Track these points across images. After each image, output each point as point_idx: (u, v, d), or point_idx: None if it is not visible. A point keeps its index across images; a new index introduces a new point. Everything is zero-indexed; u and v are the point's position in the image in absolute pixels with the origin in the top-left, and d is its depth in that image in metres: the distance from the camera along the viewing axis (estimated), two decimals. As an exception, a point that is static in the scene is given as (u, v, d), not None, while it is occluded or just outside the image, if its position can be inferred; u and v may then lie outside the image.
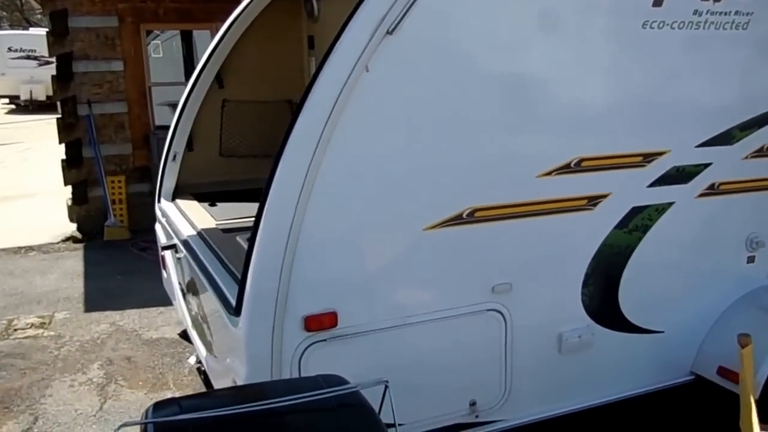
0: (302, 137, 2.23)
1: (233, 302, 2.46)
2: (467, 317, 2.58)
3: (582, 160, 2.63)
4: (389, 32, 2.21)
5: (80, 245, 7.19)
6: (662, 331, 3.01)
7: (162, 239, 4.18)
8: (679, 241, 2.94)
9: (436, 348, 2.55)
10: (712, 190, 2.95)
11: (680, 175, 2.86)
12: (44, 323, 5.15)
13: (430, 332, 2.53)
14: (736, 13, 2.76)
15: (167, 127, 7.86)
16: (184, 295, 3.68)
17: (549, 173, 2.60)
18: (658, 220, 2.87)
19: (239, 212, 3.77)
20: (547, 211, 2.63)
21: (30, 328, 5.08)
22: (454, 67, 2.39)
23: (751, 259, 3.14)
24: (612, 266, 2.83)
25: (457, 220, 2.48)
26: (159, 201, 4.23)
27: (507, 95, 2.49)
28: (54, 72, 7.34)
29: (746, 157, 2.97)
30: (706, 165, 2.90)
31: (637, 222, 2.83)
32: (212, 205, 4.00)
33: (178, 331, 4.90)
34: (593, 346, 2.84)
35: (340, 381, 1.77)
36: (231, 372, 2.52)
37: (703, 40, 2.77)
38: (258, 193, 4.16)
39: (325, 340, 2.36)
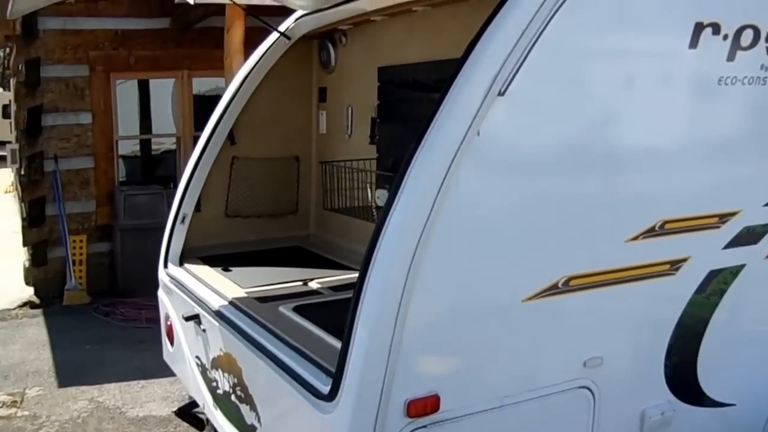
0: (411, 209, 2.06)
1: (320, 385, 2.23)
2: (559, 396, 2.42)
3: (665, 222, 2.56)
4: (500, 93, 2.10)
5: (39, 311, 6.64)
6: (734, 404, 2.91)
7: (169, 308, 3.84)
8: (750, 305, 2.88)
9: (531, 429, 2.37)
10: (778, 251, 2.94)
11: (750, 236, 2.82)
12: (16, 401, 4.63)
13: (524, 414, 2.35)
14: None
15: (130, 183, 7.59)
16: (205, 371, 3.35)
17: (636, 237, 2.50)
18: (732, 284, 2.80)
19: (262, 278, 3.52)
20: (634, 277, 2.52)
21: (1, 407, 4.54)
22: (555, 133, 2.30)
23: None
24: (692, 335, 2.73)
25: (553, 289, 2.34)
26: (166, 266, 3.90)
27: (601, 159, 2.42)
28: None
29: (807, 217, 2.98)
30: (773, 225, 2.90)
31: (714, 286, 2.75)
32: (226, 270, 3.72)
33: (173, 409, 4.49)
34: (673, 424, 2.71)
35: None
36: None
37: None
38: (266, 256, 4.05)
39: (425, 426, 2.14)
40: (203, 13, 6.42)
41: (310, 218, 4.46)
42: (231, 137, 4.03)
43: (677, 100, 2.57)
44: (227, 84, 5.77)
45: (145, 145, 8.60)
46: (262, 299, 3.18)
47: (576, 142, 2.35)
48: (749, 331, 2.91)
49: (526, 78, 2.13)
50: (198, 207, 3.97)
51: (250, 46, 5.59)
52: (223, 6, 5.64)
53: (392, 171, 3.49)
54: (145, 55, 7.27)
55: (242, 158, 4.14)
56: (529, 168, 2.26)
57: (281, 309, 3.01)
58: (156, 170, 8.70)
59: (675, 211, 2.59)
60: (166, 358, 4.04)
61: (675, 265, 2.64)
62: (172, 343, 3.85)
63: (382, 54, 3.70)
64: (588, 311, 2.45)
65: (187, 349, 3.60)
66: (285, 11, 3.97)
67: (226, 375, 3.08)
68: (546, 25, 2.13)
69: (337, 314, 3.01)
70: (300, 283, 3.45)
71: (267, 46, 3.98)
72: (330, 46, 4.11)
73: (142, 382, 4.94)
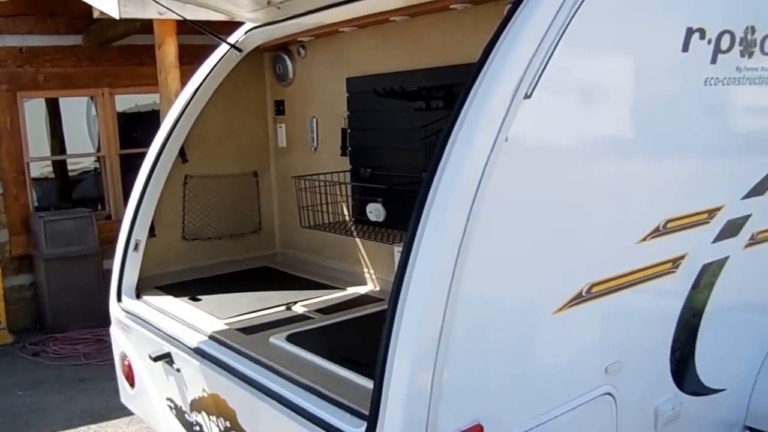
0: (445, 225, 1.85)
1: (349, 428, 1.99)
2: (586, 406, 2.29)
3: (668, 221, 2.51)
4: (527, 96, 1.94)
5: (-47, 357, 5.86)
6: (724, 389, 2.91)
7: (126, 346, 3.43)
8: (734, 294, 2.89)
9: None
10: (753, 240, 2.95)
11: (732, 229, 2.83)
12: (-55, 467, 4.01)
13: (557, 429, 2.20)
14: (763, 68, 2.84)
15: (47, 208, 6.92)
16: (182, 414, 2.99)
17: (645, 238, 2.43)
18: (719, 276, 2.80)
19: (238, 306, 3.21)
20: (643, 278, 2.44)
21: (-74, 476, 3.92)
22: (579, 135, 2.18)
23: (779, 305, 3.19)
24: (690, 329, 2.70)
25: (578, 299, 2.21)
26: (120, 300, 3.48)
27: (620, 161, 2.33)
28: None
29: (773, 206, 3.04)
30: (748, 216, 2.91)
31: (706, 280, 2.73)
32: (194, 299, 3.37)
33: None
34: (681, 417, 2.67)
35: None
36: None
37: (742, 94, 2.80)
38: (234, 279, 3.72)
39: (470, 460, 1.94)
40: (124, 31, 6.02)
41: (275, 236, 4.16)
42: (182, 155, 3.68)
43: (676, 100, 2.52)
44: (164, 100, 5.39)
45: (60, 166, 7.90)
46: (247, 330, 2.87)
47: (599, 144, 2.24)
48: (733, 320, 2.93)
49: (550, 79, 1.98)
50: (152, 232, 3.59)
51: (182, 63, 5.26)
52: (147, 25, 5.27)
53: (370, 182, 3.31)
54: (56, 73, 6.75)
55: (196, 176, 3.79)
56: (555, 173, 2.11)
57: (273, 340, 2.71)
58: (73, 192, 8.01)
59: (675, 209, 2.54)
60: (125, 401, 3.62)
61: (676, 262, 2.59)
62: (132, 385, 3.44)
63: (351, 64, 3.48)
64: (605, 317, 2.34)
65: (154, 391, 3.22)
66: (220, 27, 3.68)
67: (213, 418, 2.74)
68: (567, 24, 2.00)
69: (337, 341, 2.77)
70: (283, 308, 3.16)
71: (217, 59, 3.67)
72: (287, 58, 3.84)
73: (93, 426, 4.44)
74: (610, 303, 2.33)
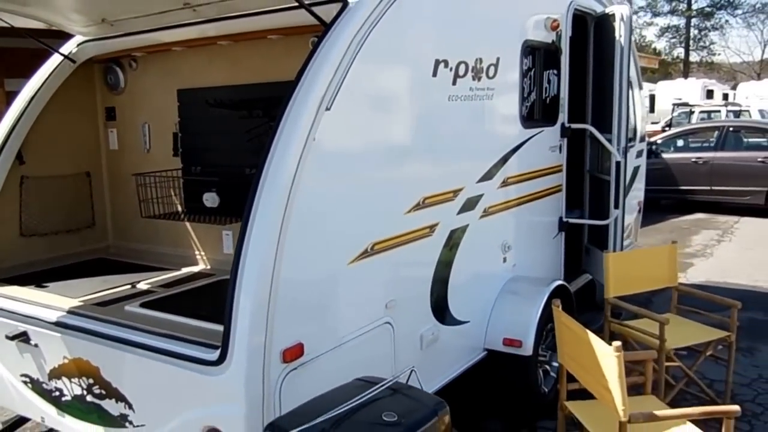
0: (273, 202, 2.53)
1: (206, 356, 2.59)
2: (374, 331, 3.11)
3: (425, 198, 3.44)
4: (327, 108, 2.70)
5: None
6: (468, 321, 3.93)
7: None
8: (473, 251, 3.90)
9: (356, 359, 2.99)
10: (485, 213, 4.03)
11: (470, 204, 3.86)
12: None
13: (353, 348, 2.97)
14: (488, 88, 3.93)
15: None
16: (39, 384, 3.30)
17: (410, 211, 3.32)
18: (463, 238, 3.81)
19: (86, 288, 3.59)
20: (410, 240, 3.33)
21: None
22: (363, 136, 2.98)
23: (504, 260, 4.35)
24: (443, 276, 3.65)
25: (365, 253, 3.02)
26: (-40, 292, 3.62)
27: (392, 155, 3.19)
28: None
29: (498, 187, 4.17)
30: (481, 195, 3.97)
31: (453, 241, 3.72)
32: (41, 286, 3.64)
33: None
34: (438, 340, 3.61)
35: (378, 379, 2.21)
36: (201, 424, 2.60)
37: (473, 107, 3.84)
38: (73, 269, 4.13)
39: (295, 368, 2.64)
40: None
41: (107, 229, 4.49)
42: (20, 157, 3.90)
43: (429, 112, 3.46)
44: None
45: None
46: (102, 304, 3.28)
47: (376, 143, 3.07)
48: (472, 270, 3.96)
49: (343, 97, 2.77)
50: (-8, 229, 3.78)
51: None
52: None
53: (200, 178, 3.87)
54: None
55: (32, 177, 4.02)
56: (348, 164, 2.90)
57: (128, 308, 3.17)
58: None
59: (430, 190, 3.48)
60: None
61: (432, 228, 3.53)
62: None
63: (181, 78, 3.98)
64: (385, 266, 3.18)
65: (5, 371, 3.45)
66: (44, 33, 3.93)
67: (75, 380, 3.12)
68: (354, 58, 2.80)
69: (184, 304, 3.31)
70: (128, 286, 3.59)
71: (51, 68, 3.95)
72: (118, 69, 4.21)
73: None
74: (387, 257, 3.19)
